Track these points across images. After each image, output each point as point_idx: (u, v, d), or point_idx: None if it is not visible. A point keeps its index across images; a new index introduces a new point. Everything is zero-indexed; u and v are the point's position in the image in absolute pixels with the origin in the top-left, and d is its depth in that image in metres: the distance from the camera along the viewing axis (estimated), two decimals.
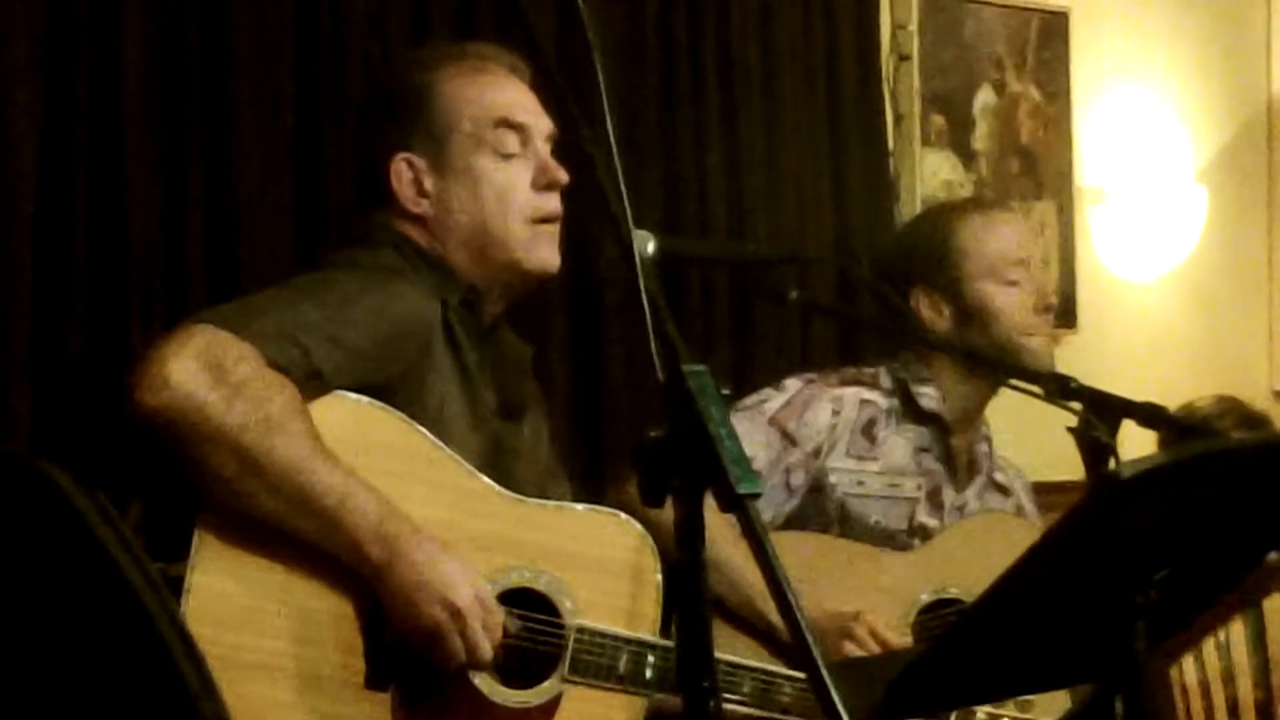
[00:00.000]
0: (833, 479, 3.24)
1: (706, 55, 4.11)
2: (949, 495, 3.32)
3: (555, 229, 2.66)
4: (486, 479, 2.51)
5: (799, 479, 3.23)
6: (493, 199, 2.62)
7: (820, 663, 1.54)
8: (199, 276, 3.26)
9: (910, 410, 3.30)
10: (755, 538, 1.59)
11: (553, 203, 2.65)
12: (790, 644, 1.59)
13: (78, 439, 3.02)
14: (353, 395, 2.44)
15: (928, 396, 3.29)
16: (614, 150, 1.74)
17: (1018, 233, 3.36)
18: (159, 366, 2.28)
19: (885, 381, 3.32)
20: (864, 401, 3.29)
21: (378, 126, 2.69)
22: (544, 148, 2.66)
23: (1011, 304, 3.29)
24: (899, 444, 3.29)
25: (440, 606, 2.35)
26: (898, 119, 4.70)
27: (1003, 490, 3.43)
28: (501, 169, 2.63)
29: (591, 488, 3.03)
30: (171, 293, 3.21)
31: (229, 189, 3.30)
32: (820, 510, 3.24)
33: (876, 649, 3.01)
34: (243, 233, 3.31)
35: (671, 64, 4.06)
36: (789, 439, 3.23)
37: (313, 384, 2.39)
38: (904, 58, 4.72)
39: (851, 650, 3.00)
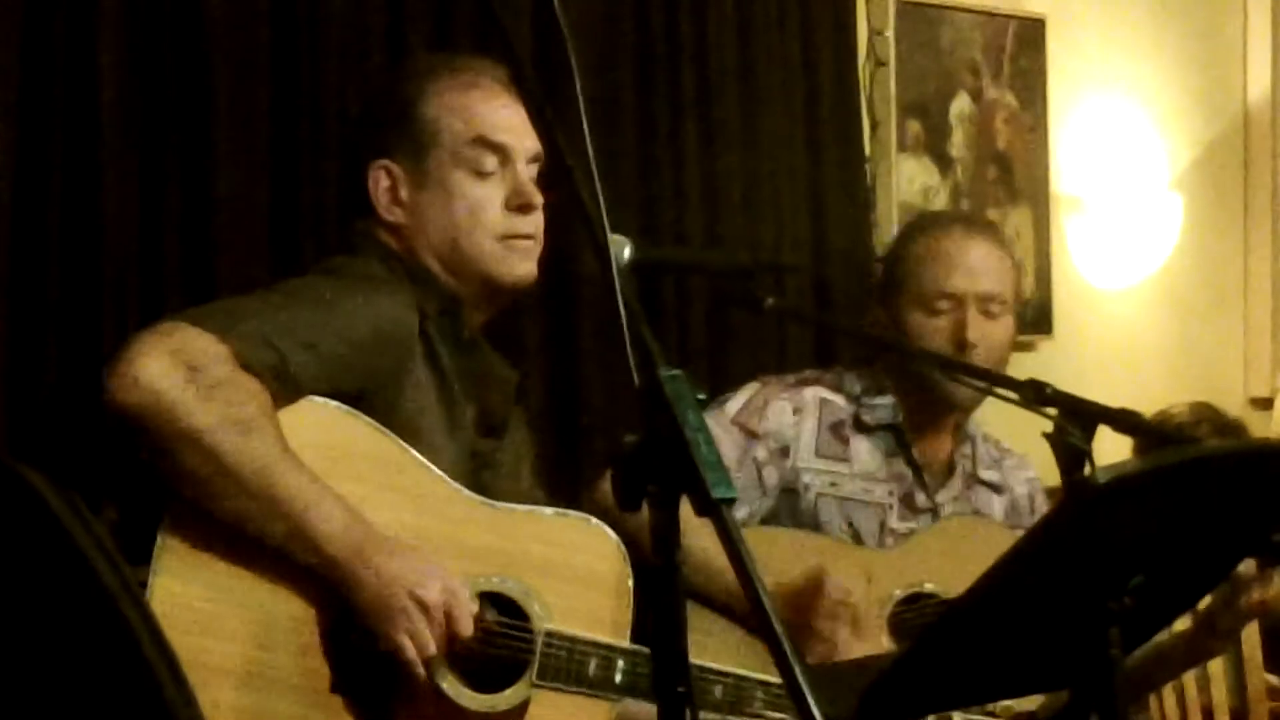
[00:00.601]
0: (806, 479, 3.25)
1: (683, 61, 4.11)
2: (921, 500, 3.32)
3: (530, 244, 2.66)
4: (456, 485, 2.51)
5: (772, 478, 3.24)
6: (464, 216, 2.62)
7: (796, 665, 1.54)
8: (175, 280, 3.25)
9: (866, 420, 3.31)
10: (730, 542, 1.59)
11: (527, 224, 2.64)
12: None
13: (52, 442, 3.01)
14: (323, 401, 2.44)
15: (876, 409, 3.30)
16: (590, 155, 1.74)
17: (962, 262, 3.28)
18: (132, 364, 2.28)
19: (851, 386, 3.33)
20: (824, 401, 3.30)
21: (363, 132, 2.70)
22: (525, 169, 2.65)
23: (928, 335, 3.26)
24: (867, 448, 3.30)
25: (409, 598, 2.34)
26: (874, 126, 4.70)
27: (994, 488, 3.42)
28: (476, 187, 2.63)
29: (567, 492, 3.02)
30: (147, 296, 3.21)
31: (205, 193, 3.29)
32: (793, 512, 3.25)
33: (847, 597, 3.00)
34: (219, 237, 3.30)
35: (649, 70, 4.06)
36: (752, 435, 3.24)
37: (286, 389, 2.38)
38: (880, 64, 4.72)
39: (830, 602, 2.99)
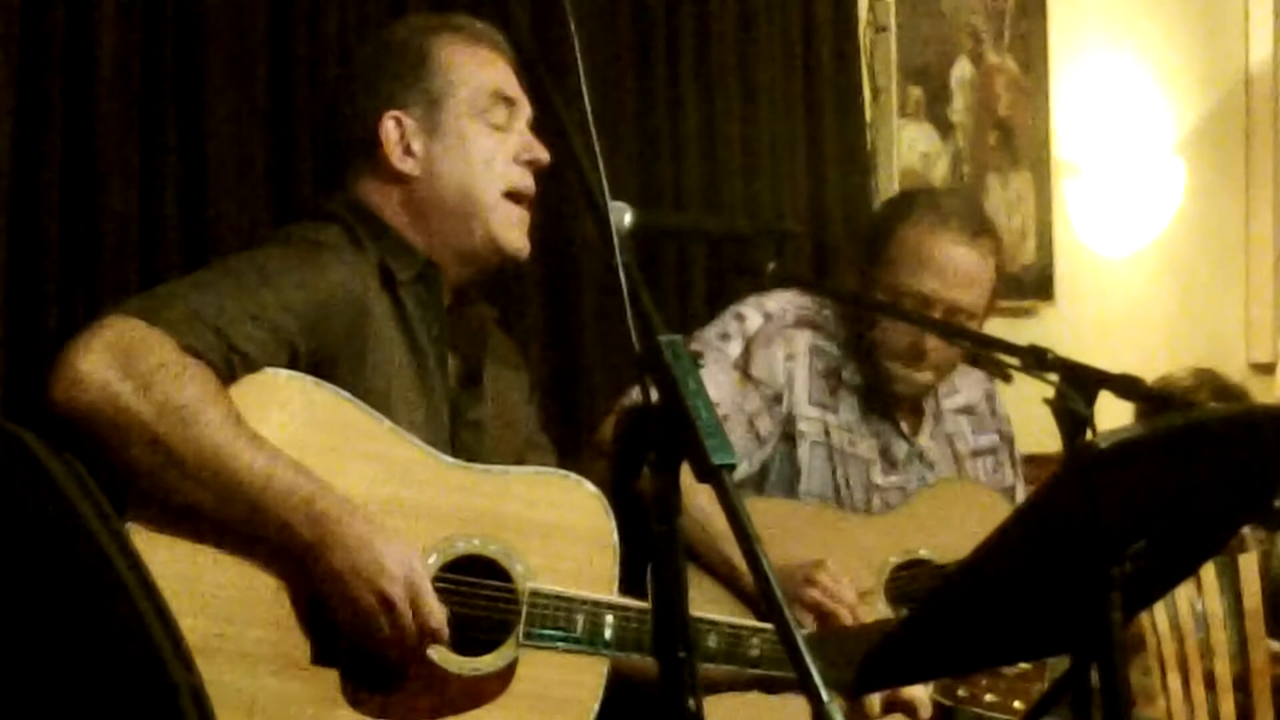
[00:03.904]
0: (802, 426, 3.24)
1: (683, 26, 4.10)
2: (900, 450, 3.32)
3: (526, 213, 2.66)
4: (429, 448, 2.49)
5: (766, 426, 3.23)
6: (479, 164, 2.63)
7: (796, 631, 1.54)
8: (174, 248, 3.24)
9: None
10: (731, 508, 1.59)
11: (529, 180, 2.66)
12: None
13: (52, 413, 3.01)
14: (284, 372, 2.42)
15: (854, 371, 3.30)
16: (591, 124, 1.74)
17: (943, 268, 3.24)
18: (70, 362, 2.29)
19: (839, 333, 3.31)
20: (815, 347, 3.29)
21: (371, 82, 2.68)
22: (525, 129, 2.66)
23: (887, 328, 3.26)
24: (849, 401, 3.29)
25: (371, 593, 2.34)
26: (875, 91, 4.69)
27: (958, 411, 3.43)
28: (490, 137, 2.64)
29: (568, 458, 3.01)
30: (146, 263, 3.19)
31: (203, 159, 3.27)
32: (790, 460, 3.24)
33: (843, 593, 3.00)
34: (217, 204, 3.29)
35: (647, 35, 4.05)
36: (750, 381, 3.23)
37: (236, 365, 2.38)
38: (881, 29, 4.71)
39: (813, 595, 2.99)
